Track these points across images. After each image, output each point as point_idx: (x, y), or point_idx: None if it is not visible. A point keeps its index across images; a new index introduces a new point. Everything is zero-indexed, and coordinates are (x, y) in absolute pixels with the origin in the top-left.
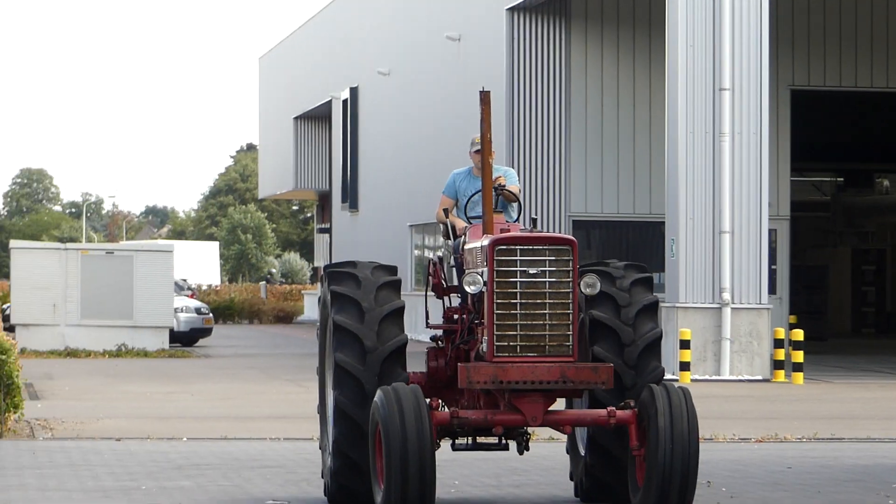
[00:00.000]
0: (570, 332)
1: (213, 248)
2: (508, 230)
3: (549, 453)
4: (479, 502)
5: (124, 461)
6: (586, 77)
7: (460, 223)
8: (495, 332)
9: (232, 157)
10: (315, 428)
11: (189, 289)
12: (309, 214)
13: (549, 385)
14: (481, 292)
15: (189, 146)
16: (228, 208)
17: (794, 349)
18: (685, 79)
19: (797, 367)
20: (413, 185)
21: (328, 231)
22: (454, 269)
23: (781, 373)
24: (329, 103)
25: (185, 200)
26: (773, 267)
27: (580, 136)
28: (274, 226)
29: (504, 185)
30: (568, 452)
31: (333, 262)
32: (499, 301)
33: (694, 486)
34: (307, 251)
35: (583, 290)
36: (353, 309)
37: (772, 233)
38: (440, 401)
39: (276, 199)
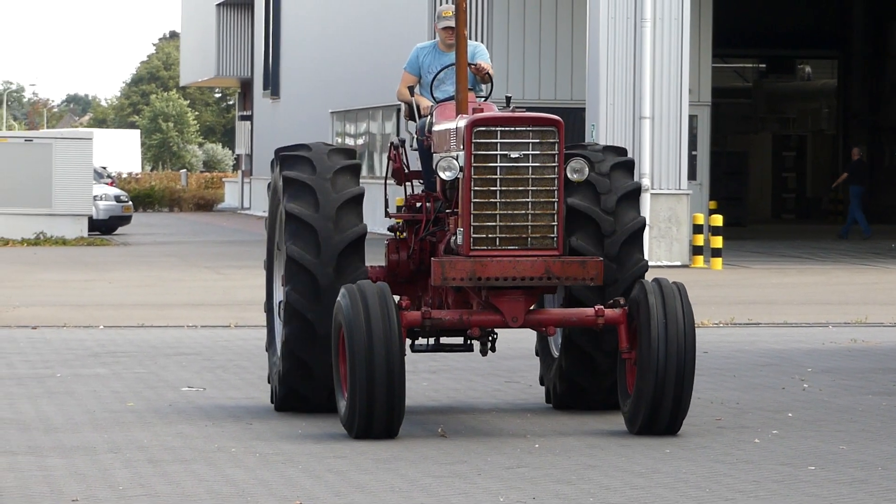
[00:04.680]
0: (556, 223)
1: (134, 136)
2: (482, 110)
3: None
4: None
5: (39, 349)
6: None
7: (426, 102)
8: (472, 224)
9: (154, 44)
10: (233, 315)
11: (109, 176)
12: (231, 102)
13: (532, 282)
14: (456, 178)
15: (111, 34)
16: (151, 96)
17: (714, 235)
18: None
19: (716, 253)
20: (334, 72)
21: (249, 118)
22: (417, 152)
23: (700, 258)
24: None
25: (107, 88)
26: (694, 153)
27: (502, 22)
28: (196, 114)
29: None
30: (537, 354)
31: (284, 146)
32: (476, 188)
33: (690, 393)
34: (229, 139)
35: (569, 175)
36: (308, 196)
37: (692, 119)
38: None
39: (199, 87)
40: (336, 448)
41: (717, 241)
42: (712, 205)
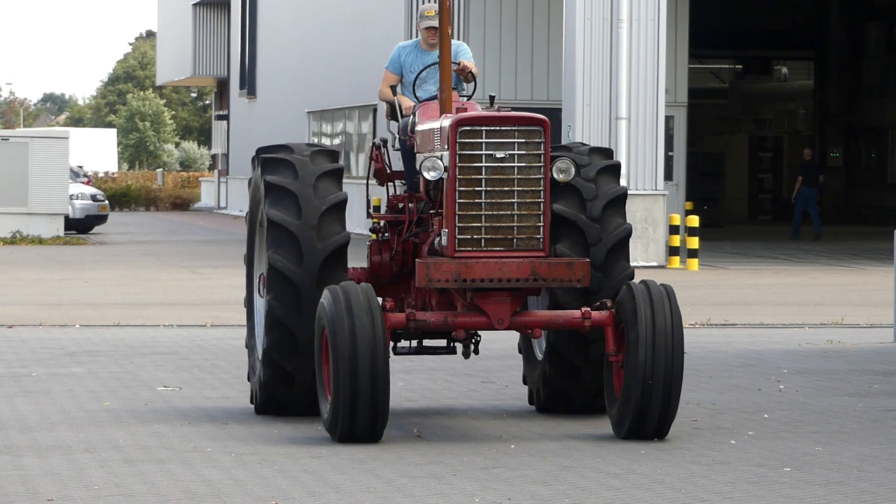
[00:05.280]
0: (542, 224)
1: (110, 135)
2: (466, 109)
3: None
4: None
5: (16, 348)
6: None
7: (408, 101)
8: (457, 224)
9: (131, 43)
10: (209, 314)
11: (85, 175)
12: (207, 101)
13: (517, 283)
14: (440, 179)
15: (88, 33)
16: (127, 95)
17: (690, 235)
18: None
19: (692, 254)
20: (311, 72)
21: (226, 118)
22: (399, 152)
23: (676, 259)
24: None
25: (84, 87)
26: (670, 153)
27: (479, 22)
28: (173, 113)
29: (461, 62)
30: (520, 351)
31: (265, 146)
32: (461, 189)
33: (678, 398)
34: (206, 138)
35: (555, 175)
36: (290, 203)
37: (669, 119)
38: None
39: (175, 86)
40: (312, 449)
41: (694, 242)
42: (688, 205)
